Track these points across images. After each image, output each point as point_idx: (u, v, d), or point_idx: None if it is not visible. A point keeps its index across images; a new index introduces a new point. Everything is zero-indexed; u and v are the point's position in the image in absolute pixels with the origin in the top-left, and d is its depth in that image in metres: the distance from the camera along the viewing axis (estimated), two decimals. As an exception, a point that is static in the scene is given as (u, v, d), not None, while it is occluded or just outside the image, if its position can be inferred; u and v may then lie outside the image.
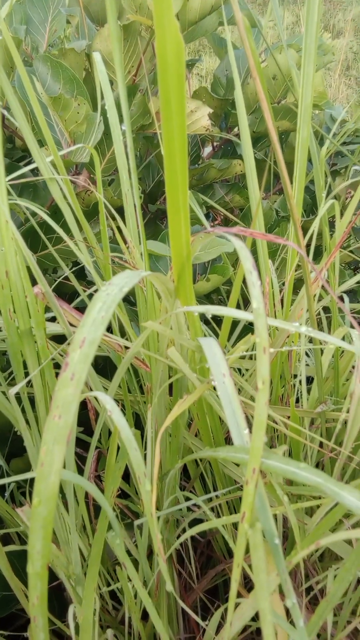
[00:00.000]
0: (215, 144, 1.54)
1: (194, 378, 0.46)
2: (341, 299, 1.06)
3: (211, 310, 0.41)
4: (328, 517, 0.38)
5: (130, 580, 0.48)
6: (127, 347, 0.60)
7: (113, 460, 0.52)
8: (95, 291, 0.81)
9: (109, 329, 0.72)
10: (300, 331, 0.36)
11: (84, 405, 0.84)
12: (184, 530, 0.83)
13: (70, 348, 0.30)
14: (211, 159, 1.45)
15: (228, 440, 1.02)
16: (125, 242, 0.67)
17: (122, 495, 0.73)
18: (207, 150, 1.62)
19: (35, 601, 0.28)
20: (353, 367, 0.69)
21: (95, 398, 0.69)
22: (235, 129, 1.50)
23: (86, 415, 0.80)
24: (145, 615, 0.60)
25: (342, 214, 0.77)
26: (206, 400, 0.51)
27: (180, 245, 0.42)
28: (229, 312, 0.41)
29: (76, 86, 1.00)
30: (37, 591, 0.28)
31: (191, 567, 0.82)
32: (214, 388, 0.64)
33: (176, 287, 0.45)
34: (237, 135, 1.47)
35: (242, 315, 0.39)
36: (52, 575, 0.74)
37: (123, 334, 0.75)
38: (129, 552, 0.59)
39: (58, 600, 0.78)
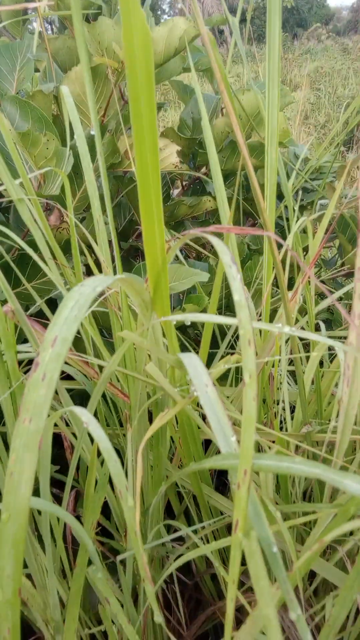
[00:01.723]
0: (184, 183, 1.56)
1: (175, 393, 0.44)
2: (317, 327, 1.06)
3: (190, 318, 0.40)
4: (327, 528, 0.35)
5: (113, 623, 0.44)
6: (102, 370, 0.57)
7: (92, 490, 0.48)
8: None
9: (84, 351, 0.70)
10: (283, 331, 0.34)
11: (58, 442, 0.80)
12: (170, 574, 0.78)
13: (41, 348, 0.28)
14: (181, 197, 1.47)
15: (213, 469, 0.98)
16: (100, 271, 0.66)
17: (103, 533, 0.68)
18: (177, 191, 1.64)
19: (6, 635, 0.25)
20: (336, 384, 0.67)
21: (74, 434, 0.66)
22: (204, 168, 1.53)
23: (62, 456, 0.76)
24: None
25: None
26: (187, 417, 0.49)
27: (155, 253, 0.41)
28: (209, 318, 0.39)
29: (45, 124, 1.01)
30: (8, 622, 0.25)
31: (179, 613, 0.77)
32: (198, 404, 0.62)
33: (152, 298, 0.43)
34: (206, 174, 1.50)
35: (223, 320, 0.38)
36: (28, 629, 0.68)
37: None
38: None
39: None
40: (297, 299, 0.63)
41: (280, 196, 1.58)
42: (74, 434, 0.65)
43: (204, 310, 1.07)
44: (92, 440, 0.63)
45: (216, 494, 0.67)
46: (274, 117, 0.70)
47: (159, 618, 0.33)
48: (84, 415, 0.34)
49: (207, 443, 0.88)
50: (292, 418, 0.78)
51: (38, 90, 1.11)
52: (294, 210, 1.55)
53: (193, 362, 0.42)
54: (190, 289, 1.11)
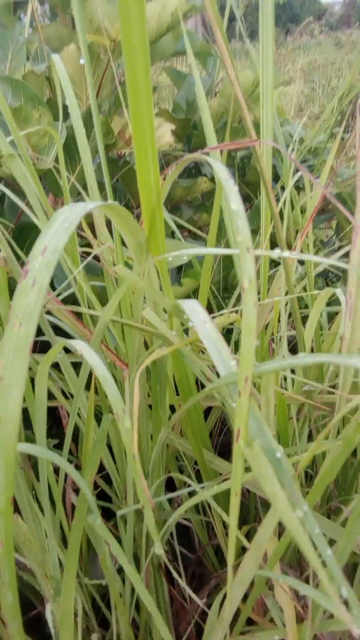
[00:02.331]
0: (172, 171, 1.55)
1: (172, 336, 0.43)
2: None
3: (188, 252, 0.39)
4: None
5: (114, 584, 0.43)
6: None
7: (90, 441, 0.47)
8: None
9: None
10: (283, 255, 0.33)
11: (53, 414, 0.79)
12: (173, 550, 0.77)
13: (30, 257, 0.27)
14: (177, 179, 1.46)
15: (212, 436, 0.98)
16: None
17: (102, 497, 0.67)
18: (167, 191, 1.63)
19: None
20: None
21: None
22: (199, 151, 1.52)
23: (62, 434, 0.75)
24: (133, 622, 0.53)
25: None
26: (184, 364, 0.48)
27: (149, 187, 0.40)
28: (207, 250, 0.38)
29: (37, 102, 1.00)
30: (1, 535, 0.24)
31: (183, 585, 0.75)
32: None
33: (148, 238, 0.42)
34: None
35: (221, 251, 0.37)
36: (29, 605, 0.67)
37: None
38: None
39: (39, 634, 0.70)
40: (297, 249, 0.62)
41: (276, 179, 1.57)
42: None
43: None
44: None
45: (218, 458, 0.66)
46: (269, 95, 0.69)
47: (159, 550, 0.32)
48: (80, 345, 0.33)
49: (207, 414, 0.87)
50: (292, 384, 0.77)
51: (30, 71, 1.10)
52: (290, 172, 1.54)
53: (191, 304, 0.41)
54: (187, 265, 1.10)
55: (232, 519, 0.25)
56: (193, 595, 0.51)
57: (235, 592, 0.36)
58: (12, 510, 0.24)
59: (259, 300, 0.76)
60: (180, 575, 0.78)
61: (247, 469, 0.31)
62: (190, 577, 0.87)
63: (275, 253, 0.35)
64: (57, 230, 0.28)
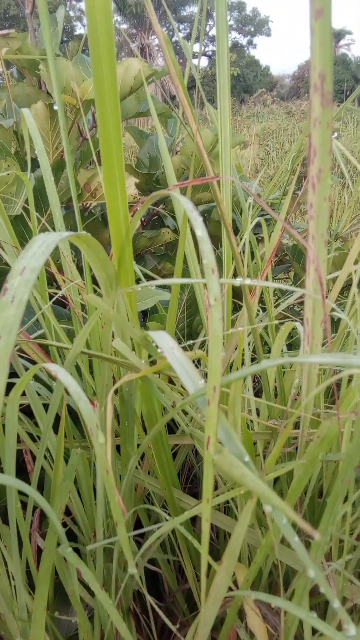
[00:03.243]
0: (143, 219, 1.61)
1: (141, 363, 0.44)
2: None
3: (158, 282, 0.41)
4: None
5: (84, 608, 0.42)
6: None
7: (59, 477, 0.47)
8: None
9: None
10: (246, 283, 0.36)
11: (18, 460, 0.78)
12: (143, 603, 0.75)
13: (9, 276, 0.28)
14: (141, 230, 1.50)
15: (182, 479, 0.97)
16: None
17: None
18: (136, 226, 1.68)
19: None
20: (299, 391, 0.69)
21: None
22: (162, 205, 1.59)
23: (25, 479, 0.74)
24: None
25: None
26: (151, 390, 0.49)
27: (119, 222, 0.42)
28: (175, 280, 0.40)
29: (6, 154, 1.04)
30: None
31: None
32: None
33: (117, 272, 0.44)
34: (164, 209, 1.55)
35: (188, 281, 0.39)
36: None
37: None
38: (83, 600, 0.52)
39: None
40: (257, 294, 0.65)
41: (235, 231, 1.64)
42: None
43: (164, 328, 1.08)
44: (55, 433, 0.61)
45: (186, 496, 0.66)
46: (227, 147, 0.74)
47: (133, 569, 0.32)
48: (54, 367, 0.34)
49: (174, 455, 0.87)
50: (258, 423, 0.78)
51: (-2, 125, 1.15)
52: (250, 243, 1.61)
53: (160, 334, 0.43)
54: (152, 309, 1.13)
55: (205, 525, 0.26)
56: None
57: (209, 611, 0.35)
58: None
59: (223, 340, 0.79)
60: (149, 628, 0.76)
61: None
62: (160, 628, 0.85)
63: (238, 281, 0.38)
64: (34, 252, 0.30)
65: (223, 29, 0.53)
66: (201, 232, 0.32)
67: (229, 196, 0.62)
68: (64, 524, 0.60)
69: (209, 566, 0.45)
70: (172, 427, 1.00)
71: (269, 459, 0.36)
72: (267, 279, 0.85)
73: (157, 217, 1.61)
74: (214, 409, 0.27)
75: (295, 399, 0.74)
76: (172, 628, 0.44)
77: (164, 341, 0.41)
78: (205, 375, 1.01)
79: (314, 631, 0.46)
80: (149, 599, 0.56)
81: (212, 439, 0.27)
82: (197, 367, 1.05)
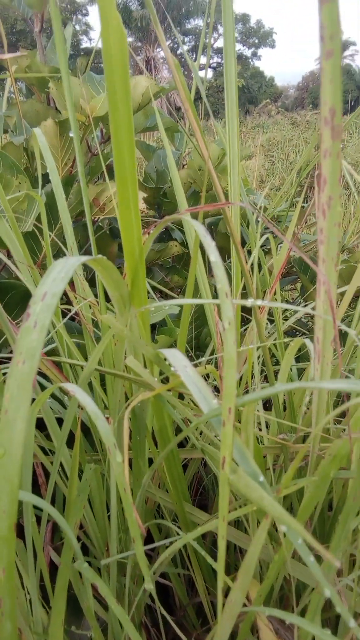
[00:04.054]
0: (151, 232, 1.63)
1: (154, 381, 0.45)
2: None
3: (172, 302, 0.42)
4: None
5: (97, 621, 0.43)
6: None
7: (74, 493, 0.48)
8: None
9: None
10: (256, 304, 0.37)
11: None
12: (154, 618, 0.75)
13: (31, 302, 0.29)
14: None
15: (191, 490, 0.97)
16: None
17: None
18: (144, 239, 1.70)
19: (1, 575, 0.25)
20: (309, 403, 0.69)
21: (44, 465, 0.65)
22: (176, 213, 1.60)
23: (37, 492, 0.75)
24: None
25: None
26: (163, 408, 0.50)
27: (132, 243, 0.43)
28: (187, 301, 0.41)
29: (16, 170, 1.06)
30: (3, 561, 0.25)
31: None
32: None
33: (130, 292, 0.45)
34: (172, 222, 1.57)
35: (200, 301, 0.40)
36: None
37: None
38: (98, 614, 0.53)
39: None
40: (266, 309, 0.66)
41: (242, 244, 1.65)
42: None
43: (175, 342, 1.09)
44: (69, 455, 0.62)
45: (197, 510, 0.67)
46: (235, 164, 0.76)
47: (149, 585, 0.32)
48: (71, 387, 0.35)
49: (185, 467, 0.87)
50: (268, 435, 0.79)
51: (9, 142, 1.17)
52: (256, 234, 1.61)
53: (172, 352, 0.44)
54: (161, 322, 1.14)
55: (221, 543, 0.27)
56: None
57: (224, 627, 0.36)
58: (14, 537, 0.25)
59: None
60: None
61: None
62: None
63: (249, 302, 0.39)
64: (55, 277, 0.31)
65: (230, 49, 0.54)
66: (214, 257, 0.33)
67: (238, 214, 0.63)
68: (78, 538, 0.61)
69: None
70: (181, 441, 1.00)
71: (284, 481, 0.36)
72: (275, 294, 0.86)
73: (164, 230, 1.63)
74: (229, 430, 0.28)
75: (305, 413, 0.74)
76: (180, 634, 0.45)
77: (177, 360, 0.42)
78: (215, 389, 1.02)
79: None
80: (162, 612, 0.56)
81: (228, 459, 0.28)
82: (206, 380, 1.06)
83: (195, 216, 1.55)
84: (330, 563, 0.38)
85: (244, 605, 0.39)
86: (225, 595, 0.45)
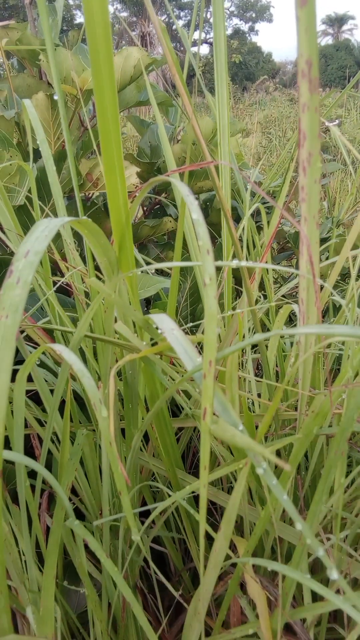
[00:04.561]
0: (145, 208, 1.62)
1: (142, 344, 0.46)
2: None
3: (156, 266, 0.42)
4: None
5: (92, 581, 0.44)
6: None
7: (66, 456, 0.49)
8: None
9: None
10: (242, 265, 0.37)
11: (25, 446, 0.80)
12: (149, 581, 0.77)
13: (14, 259, 0.30)
14: (143, 219, 1.52)
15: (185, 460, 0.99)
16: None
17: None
18: (139, 215, 1.70)
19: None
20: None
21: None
22: (164, 193, 1.60)
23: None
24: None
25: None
26: (153, 372, 0.50)
27: (119, 208, 0.43)
28: (175, 264, 0.42)
29: (8, 144, 1.05)
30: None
31: (161, 616, 0.75)
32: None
33: (118, 257, 0.46)
34: (166, 197, 1.56)
35: (187, 264, 0.40)
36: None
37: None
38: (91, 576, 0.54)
39: None
40: (257, 280, 0.66)
41: (237, 220, 1.64)
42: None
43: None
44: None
45: (190, 476, 0.68)
46: (225, 140, 0.75)
47: (136, 537, 0.33)
48: (58, 347, 0.36)
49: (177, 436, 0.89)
50: (260, 405, 0.80)
51: (0, 116, 1.16)
52: (250, 230, 1.61)
53: (160, 316, 0.44)
54: (155, 297, 1.14)
55: (202, 491, 0.28)
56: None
57: (209, 576, 0.37)
58: (1, 483, 0.26)
59: (224, 324, 0.80)
60: (156, 606, 0.78)
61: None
62: (167, 607, 0.87)
63: (234, 262, 0.39)
64: (38, 236, 0.31)
65: (220, 15, 0.54)
66: (196, 215, 0.33)
67: (228, 183, 0.63)
68: (73, 505, 0.62)
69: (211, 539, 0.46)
70: (174, 411, 1.02)
71: (261, 426, 0.37)
72: (267, 271, 0.87)
73: (159, 206, 1.62)
74: (210, 381, 0.29)
75: (296, 384, 0.75)
76: (175, 594, 0.46)
77: (164, 323, 0.43)
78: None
79: (314, 599, 0.48)
80: (156, 573, 0.58)
81: (209, 410, 0.28)
82: (200, 353, 1.06)
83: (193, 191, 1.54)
84: (314, 513, 0.39)
85: (230, 557, 0.40)
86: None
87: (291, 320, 1.40)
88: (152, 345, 0.55)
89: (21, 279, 0.29)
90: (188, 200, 0.34)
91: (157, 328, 0.46)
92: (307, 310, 0.40)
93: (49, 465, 0.79)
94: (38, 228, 0.32)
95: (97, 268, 0.65)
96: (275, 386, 0.72)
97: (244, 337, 0.79)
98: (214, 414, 0.30)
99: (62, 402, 0.58)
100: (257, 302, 1.13)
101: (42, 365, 0.78)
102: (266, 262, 0.80)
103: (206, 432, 0.28)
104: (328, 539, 0.53)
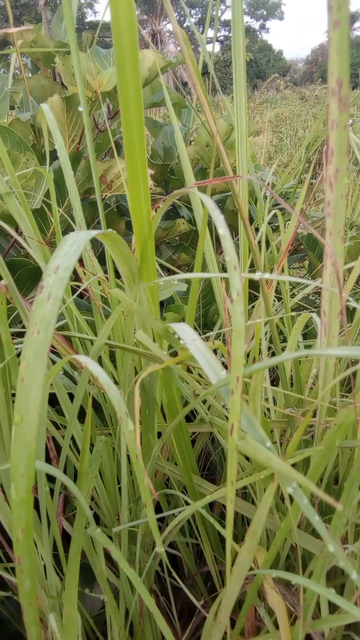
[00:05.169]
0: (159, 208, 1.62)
1: (163, 354, 0.46)
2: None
3: (179, 277, 0.42)
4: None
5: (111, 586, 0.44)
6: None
7: (86, 464, 0.49)
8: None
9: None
10: (264, 277, 0.37)
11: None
12: (162, 585, 0.78)
13: (44, 275, 0.30)
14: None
15: (200, 463, 0.99)
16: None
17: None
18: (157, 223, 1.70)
19: (20, 535, 0.26)
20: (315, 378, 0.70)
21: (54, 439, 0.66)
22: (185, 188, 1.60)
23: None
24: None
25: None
26: (172, 382, 0.51)
27: (142, 218, 0.44)
28: (195, 275, 0.42)
29: (24, 147, 1.06)
30: (22, 523, 0.26)
31: (174, 619, 0.76)
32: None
33: (140, 267, 0.46)
34: (179, 199, 1.57)
35: (208, 275, 0.41)
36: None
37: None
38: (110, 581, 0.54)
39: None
40: (273, 285, 0.66)
41: (250, 221, 1.64)
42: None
43: (183, 319, 1.10)
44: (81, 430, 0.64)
45: (205, 482, 0.68)
46: (243, 140, 0.75)
47: (161, 549, 0.34)
48: (83, 358, 0.36)
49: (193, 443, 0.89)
50: (275, 411, 0.80)
51: (16, 119, 1.16)
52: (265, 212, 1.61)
53: (181, 326, 0.45)
54: (169, 300, 1.15)
55: (229, 507, 0.28)
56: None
57: (232, 587, 0.38)
58: (32, 499, 0.26)
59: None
60: (169, 609, 0.79)
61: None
62: (180, 610, 0.87)
63: (257, 275, 0.39)
64: (67, 251, 0.32)
65: (239, 27, 0.54)
66: (223, 230, 0.33)
67: (246, 190, 0.63)
68: (89, 509, 0.63)
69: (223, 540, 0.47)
70: (189, 415, 1.02)
71: (290, 445, 0.37)
72: (282, 270, 0.87)
73: (172, 207, 1.62)
74: (238, 398, 0.29)
75: (312, 388, 0.75)
76: (196, 604, 0.47)
77: (186, 333, 0.43)
78: (223, 365, 1.03)
79: (332, 610, 0.48)
80: (172, 576, 0.58)
81: (236, 426, 0.29)
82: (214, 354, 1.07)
83: (203, 191, 1.54)
84: (337, 524, 0.39)
85: (252, 569, 0.40)
86: (233, 563, 0.47)
87: (306, 324, 1.40)
88: (171, 353, 0.55)
89: (52, 294, 0.29)
90: (214, 214, 0.34)
91: (177, 337, 0.46)
92: (329, 322, 0.40)
93: (64, 468, 0.79)
94: (66, 243, 0.32)
95: (116, 275, 0.65)
96: (292, 397, 0.72)
97: (260, 342, 0.79)
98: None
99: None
100: (272, 304, 1.13)
101: (53, 362, 0.79)
102: (282, 269, 0.80)
103: (233, 449, 0.28)
104: (345, 548, 0.53)
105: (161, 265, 1.49)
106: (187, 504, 0.72)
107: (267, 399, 0.78)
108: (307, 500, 0.27)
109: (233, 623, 0.72)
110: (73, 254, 0.31)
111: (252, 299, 1.34)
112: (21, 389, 0.27)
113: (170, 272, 1.66)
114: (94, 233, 0.35)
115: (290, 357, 0.30)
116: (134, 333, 0.49)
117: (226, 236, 0.33)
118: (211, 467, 1.09)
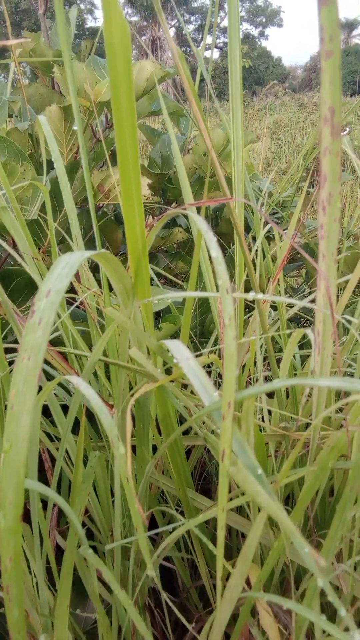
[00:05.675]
0: (155, 217, 1.63)
1: (157, 372, 0.46)
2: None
3: (172, 295, 0.42)
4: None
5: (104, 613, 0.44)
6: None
7: (79, 480, 0.49)
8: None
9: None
10: (258, 298, 0.37)
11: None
12: (157, 600, 0.77)
13: (36, 299, 0.30)
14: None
15: (194, 475, 0.99)
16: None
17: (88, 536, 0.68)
18: (147, 223, 1.70)
19: (8, 564, 0.26)
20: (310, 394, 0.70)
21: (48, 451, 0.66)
22: (174, 203, 1.60)
23: (44, 481, 0.76)
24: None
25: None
26: (167, 399, 0.51)
27: (136, 236, 0.44)
28: (189, 294, 0.42)
29: (21, 157, 1.06)
30: (10, 551, 0.26)
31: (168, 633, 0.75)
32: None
33: (134, 284, 0.46)
34: (176, 207, 1.57)
35: (202, 294, 0.41)
36: None
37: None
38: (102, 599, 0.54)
39: None
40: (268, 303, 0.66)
41: (247, 229, 1.65)
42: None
43: (179, 330, 1.10)
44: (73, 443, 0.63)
45: (200, 496, 0.68)
46: (239, 154, 0.75)
47: (152, 572, 0.33)
48: (75, 380, 0.36)
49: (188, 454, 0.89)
50: (270, 422, 0.80)
51: (14, 128, 1.16)
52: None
53: (175, 344, 0.45)
54: (165, 309, 1.15)
55: (220, 534, 0.28)
56: None
57: (223, 611, 0.37)
58: (20, 527, 0.26)
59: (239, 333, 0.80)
60: (164, 622, 0.78)
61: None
62: (174, 623, 0.87)
63: (251, 295, 0.39)
64: (59, 274, 0.32)
65: (235, 44, 0.54)
66: (215, 253, 0.33)
67: (241, 206, 0.63)
68: (83, 524, 0.62)
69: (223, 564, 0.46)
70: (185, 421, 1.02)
71: (282, 472, 0.37)
72: (278, 282, 0.87)
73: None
74: (229, 423, 0.29)
75: (306, 402, 0.75)
76: (187, 626, 0.46)
77: (180, 351, 0.43)
78: (219, 376, 1.02)
79: (325, 630, 0.48)
80: (165, 596, 0.58)
81: (227, 452, 0.29)
82: (209, 367, 1.07)
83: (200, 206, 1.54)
84: (328, 549, 0.39)
85: (244, 590, 0.40)
86: (227, 578, 0.46)
87: (303, 336, 1.40)
88: (166, 370, 0.55)
89: (43, 319, 0.29)
90: (207, 237, 0.34)
91: (171, 355, 0.46)
92: (323, 342, 0.40)
93: (58, 481, 0.79)
94: (59, 265, 0.32)
95: (110, 288, 0.65)
96: (287, 410, 0.72)
97: (255, 355, 0.79)
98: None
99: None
100: (268, 315, 1.12)
101: (49, 378, 0.78)
102: (278, 281, 0.80)
103: (225, 474, 0.28)
104: (339, 566, 0.53)
105: (158, 274, 1.49)
106: (183, 515, 0.72)
107: (262, 411, 0.78)
108: (308, 550, 0.26)
109: (227, 637, 0.72)
110: (65, 276, 0.31)
111: (248, 308, 1.34)
112: (11, 416, 0.27)
113: (167, 280, 1.66)
114: (87, 254, 0.35)
115: (282, 385, 0.30)
116: (129, 349, 0.48)
117: (219, 259, 0.33)
118: (207, 476, 1.09)
